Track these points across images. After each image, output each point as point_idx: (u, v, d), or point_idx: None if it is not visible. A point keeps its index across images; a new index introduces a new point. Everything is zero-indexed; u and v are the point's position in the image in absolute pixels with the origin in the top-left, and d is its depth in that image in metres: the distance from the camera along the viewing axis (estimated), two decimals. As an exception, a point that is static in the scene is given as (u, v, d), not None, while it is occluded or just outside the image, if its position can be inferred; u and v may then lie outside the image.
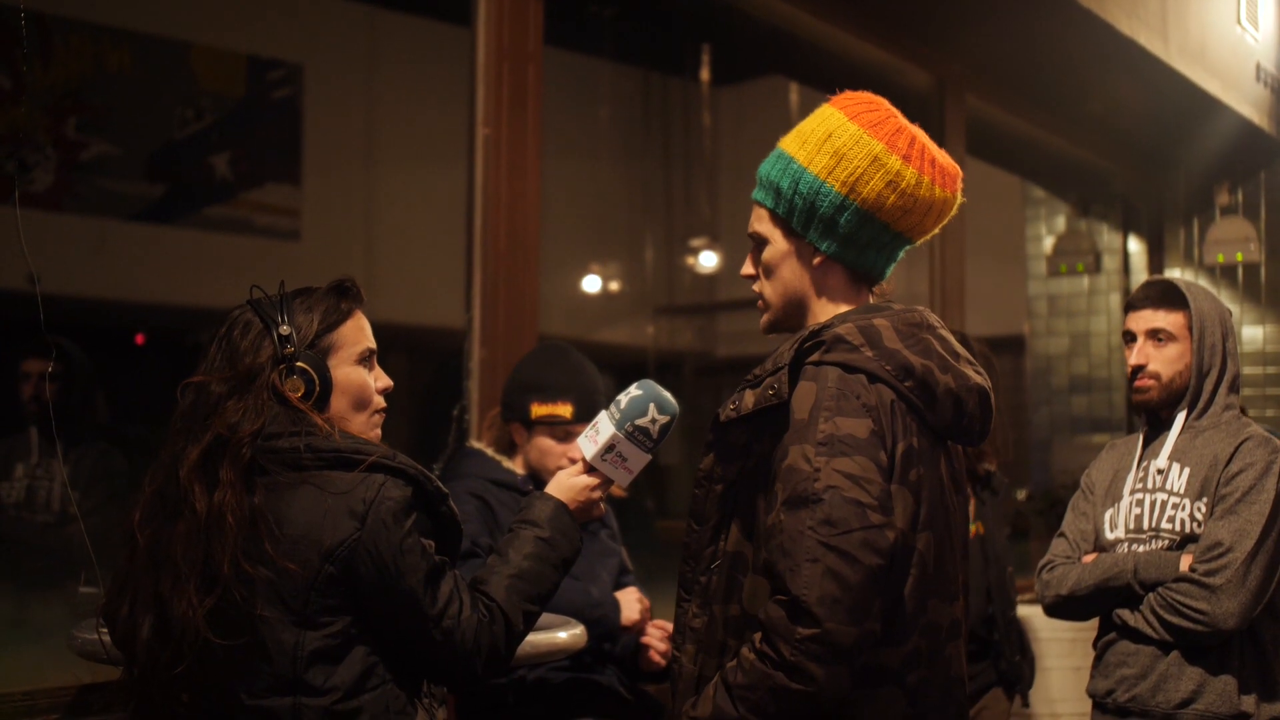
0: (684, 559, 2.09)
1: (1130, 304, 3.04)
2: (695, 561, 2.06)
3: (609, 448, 2.23)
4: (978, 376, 2.02)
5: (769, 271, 2.07)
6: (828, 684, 1.81)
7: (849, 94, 2.06)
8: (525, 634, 2.13)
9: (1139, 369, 2.97)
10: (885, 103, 2.05)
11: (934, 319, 2.06)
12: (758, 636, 1.87)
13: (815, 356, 1.94)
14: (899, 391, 1.92)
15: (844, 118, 2.00)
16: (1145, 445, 2.99)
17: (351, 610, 1.97)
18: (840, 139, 1.97)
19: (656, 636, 3.23)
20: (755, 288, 2.11)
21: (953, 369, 1.98)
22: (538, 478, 3.13)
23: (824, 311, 2.05)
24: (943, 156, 2.03)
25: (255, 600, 1.92)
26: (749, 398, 1.98)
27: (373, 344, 2.16)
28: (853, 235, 1.99)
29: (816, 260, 2.02)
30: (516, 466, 3.23)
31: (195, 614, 1.90)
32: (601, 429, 2.24)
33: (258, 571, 1.92)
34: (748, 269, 2.12)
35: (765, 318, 2.11)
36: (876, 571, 1.82)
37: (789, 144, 2.04)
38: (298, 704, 1.93)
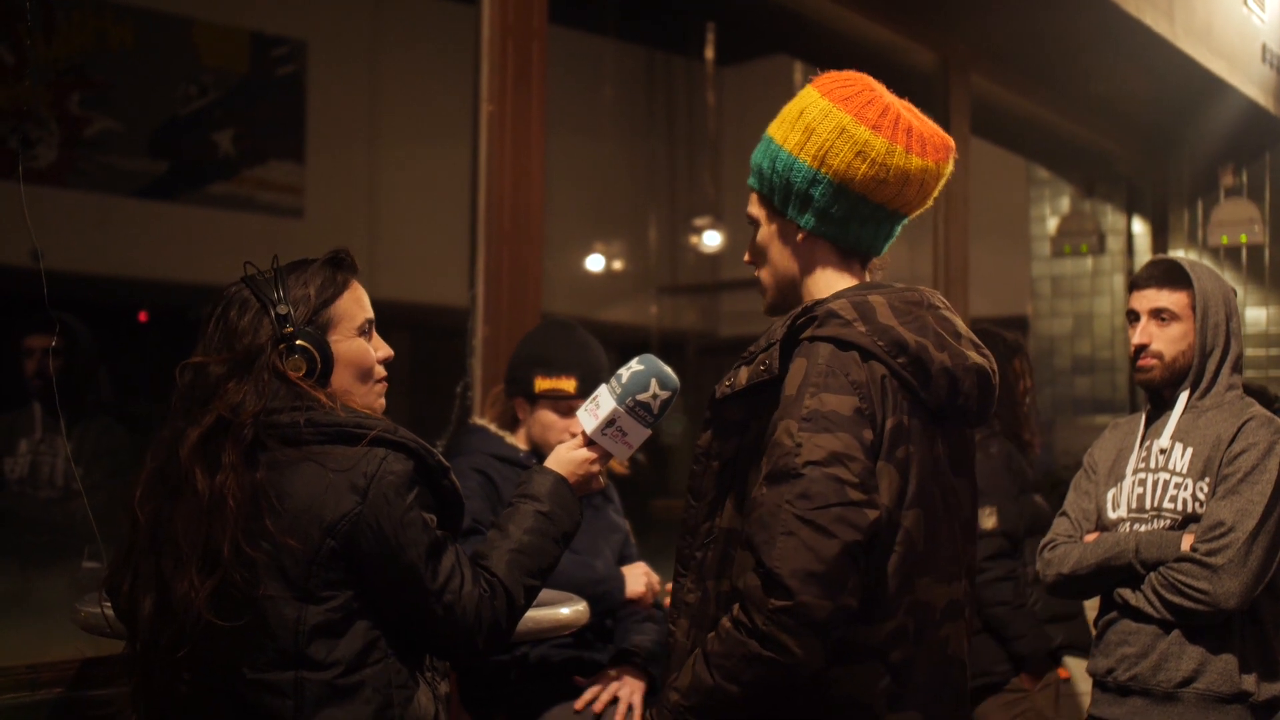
0: (681, 534, 2.10)
1: (1134, 283, 3.04)
2: (692, 537, 2.07)
3: (609, 422, 2.23)
4: (978, 357, 2.01)
5: (762, 254, 2.10)
6: (801, 655, 1.81)
7: (830, 73, 2.07)
8: (526, 608, 2.14)
9: (1142, 348, 2.97)
10: (865, 79, 2.05)
11: (938, 300, 2.05)
12: (736, 606, 1.87)
13: (808, 332, 1.94)
14: (891, 368, 1.91)
15: (817, 94, 2.02)
16: (1148, 425, 3.00)
17: (353, 585, 1.97)
18: (810, 114, 2.00)
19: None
20: (755, 273, 2.14)
21: (949, 347, 1.97)
22: (540, 453, 3.14)
23: (817, 289, 2.06)
24: (925, 126, 2.02)
25: (257, 580, 1.91)
26: (743, 374, 1.99)
27: (371, 314, 2.15)
28: (828, 209, 2.00)
29: (799, 237, 2.04)
30: (520, 442, 3.23)
31: (197, 596, 1.90)
32: (602, 403, 2.24)
33: (258, 551, 1.91)
34: (749, 254, 2.15)
35: (765, 301, 2.14)
36: (852, 547, 1.81)
37: (772, 127, 2.07)
38: (299, 678, 1.93)
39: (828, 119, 1.98)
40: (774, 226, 2.07)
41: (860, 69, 2.09)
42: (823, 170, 1.98)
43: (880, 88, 2.04)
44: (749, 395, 1.98)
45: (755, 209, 2.10)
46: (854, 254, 2.07)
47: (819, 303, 1.97)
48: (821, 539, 1.80)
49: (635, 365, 2.23)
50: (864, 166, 1.97)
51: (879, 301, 1.96)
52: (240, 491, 1.91)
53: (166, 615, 1.94)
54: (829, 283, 2.05)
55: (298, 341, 2.03)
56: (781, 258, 2.08)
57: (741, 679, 1.86)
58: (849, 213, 2.01)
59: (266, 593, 1.92)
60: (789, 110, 2.05)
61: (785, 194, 2.02)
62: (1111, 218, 7.99)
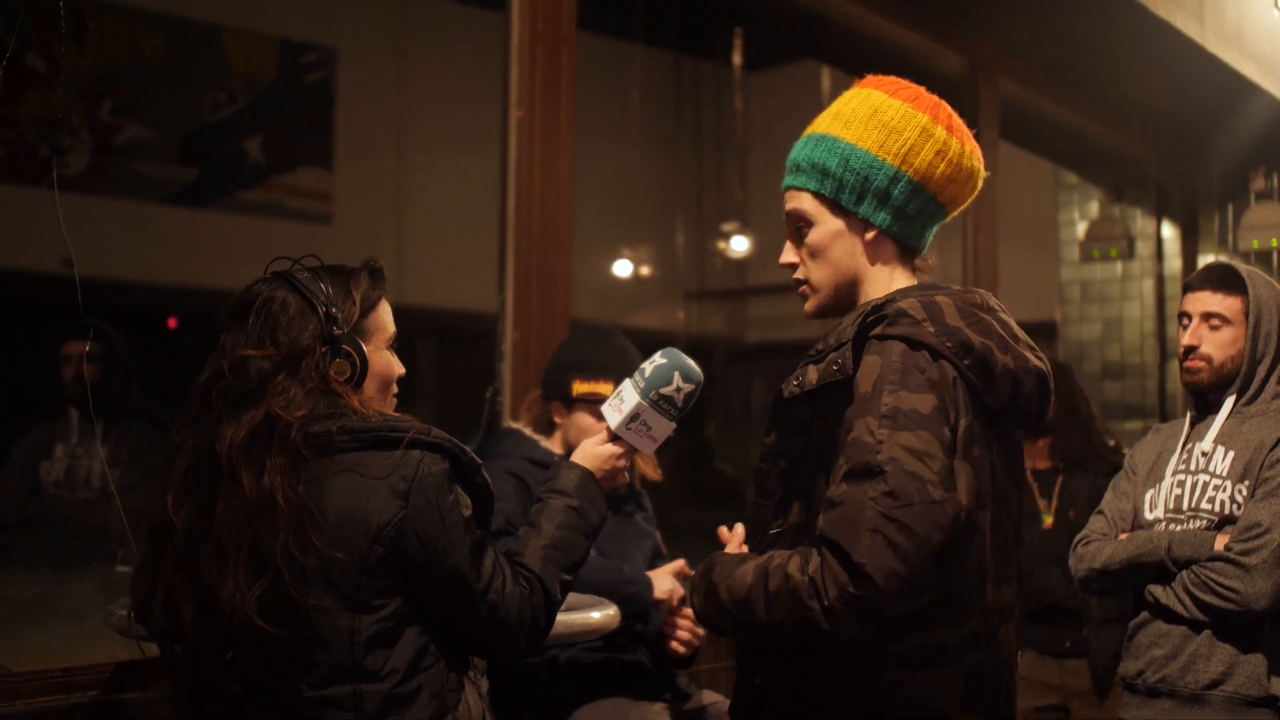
0: (751, 532, 2.14)
1: (1188, 285, 3.05)
2: (761, 534, 2.08)
3: (633, 416, 2.23)
4: (1037, 360, 2.02)
5: (817, 254, 2.07)
6: (855, 638, 1.83)
7: (877, 77, 2.10)
8: (561, 603, 2.13)
9: (1191, 350, 2.96)
10: (910, 82, 2.10)
11: (995, 302, 2.06)
12: (814, 563, 1.86)
13: (878, 330, 1.93)
14: (959, 369, 1.92)
15: (884, 95, 2.04)
16: (1191, 428, 2.99)
17: (402, 591, 1.96)
18: (887, 114, 2.02)
19: (682, 626, 3.22)
20: (799, 274, 2.11)
21: (1012, 350, 1.98)
22: (575, 457, 3.14)
23: (876, 289, 2.06)
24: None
25: (307, 590, 1.89)
26: (812, 373, 1.98)
27: (394, 329, 2.15)
28: (904, 207, 2.03)
29: (870, 235, 2.04)
30: (554, 446, 3.24)
31: (245, 599, 1.87)
32: (626, 398, 2.24)
33: (308, 560, 1.89)
34: (789, 256, 2.11)
35: (813, 303, 2.11)
36: (937, 547, 1.81)
37: (828, 127, 2.06)
38: (358, 691, 1.91)
39: (909, 119, 2.01)
40: (839, 225, 2.05)
41: (889, 73, 2.10)
42: (904, 169, 2.00)
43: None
44: (815, 394, 1.98)
45: (810, 209, 2.06)
46: (912, 253, 2.09)
47: (888, 301, 1.97)
48: (907, 537, 1.79)
49: (658, 359, 2.24)
50: (942, 165, 2.01)
51: (946, 303, 1.96)
52: (290, 491, 1.89)
53: (212, 618, 1.91)
54: (889, 282, 2.06)
55: (343, 345, 2.02)
56: (846, 257, 2.06)
57: (786, 629, 1.88)
58: (919, 211, 2.05)
59: (316, 603, 1.90)
60: (853, 111, 2.05)
61: (861, 192, 2.02)
62: (1141, 222, 7.94)
